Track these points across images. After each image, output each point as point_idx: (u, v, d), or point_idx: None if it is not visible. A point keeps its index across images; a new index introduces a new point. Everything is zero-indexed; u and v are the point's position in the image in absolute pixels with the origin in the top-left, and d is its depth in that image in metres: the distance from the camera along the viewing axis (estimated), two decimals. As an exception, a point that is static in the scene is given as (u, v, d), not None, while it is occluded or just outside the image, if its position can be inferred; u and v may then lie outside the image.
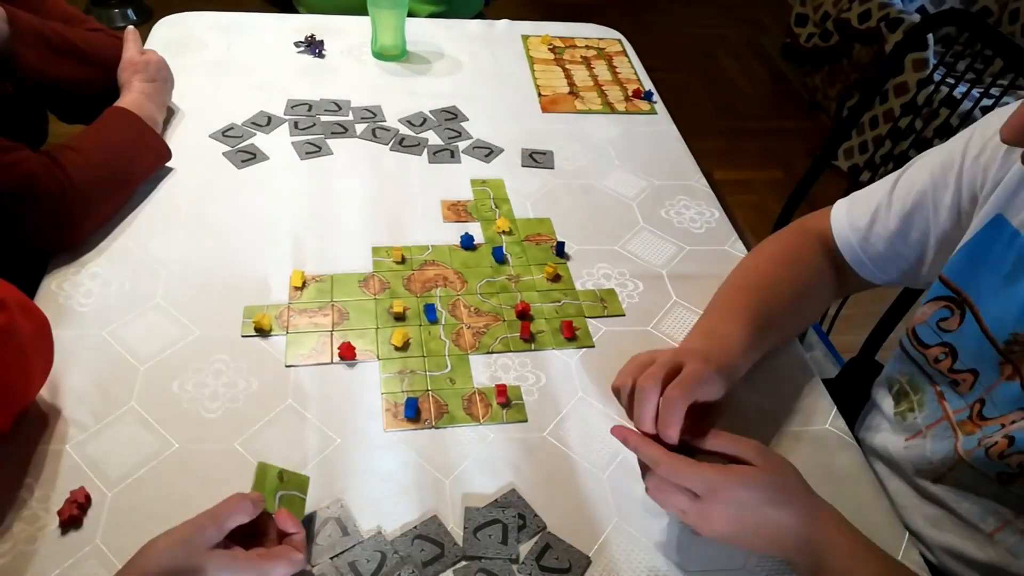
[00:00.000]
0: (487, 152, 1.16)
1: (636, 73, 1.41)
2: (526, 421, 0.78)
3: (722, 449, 0.63)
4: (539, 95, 1.31)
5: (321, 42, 1.33)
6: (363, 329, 0.86)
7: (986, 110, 0.77)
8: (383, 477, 0.72)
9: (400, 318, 0.87)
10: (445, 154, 1.14)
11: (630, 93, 1.34)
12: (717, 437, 0.64)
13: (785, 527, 0.61)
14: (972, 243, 0.71)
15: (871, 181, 0.89)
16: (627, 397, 0.67)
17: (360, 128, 1.17)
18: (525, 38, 1.47)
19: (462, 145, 1.16)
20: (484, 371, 0.83)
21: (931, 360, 0.76)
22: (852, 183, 1.38)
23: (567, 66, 1.41)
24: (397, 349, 0.84)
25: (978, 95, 1.30)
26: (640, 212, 1.08)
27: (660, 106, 1.33)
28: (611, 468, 0.75)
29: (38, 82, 1.00)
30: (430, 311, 0.88)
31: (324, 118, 1.18)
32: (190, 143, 1.09)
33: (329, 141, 1.13)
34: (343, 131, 1.16)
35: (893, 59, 1.33)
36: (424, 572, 0.64)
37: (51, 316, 0.80)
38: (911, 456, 0.78)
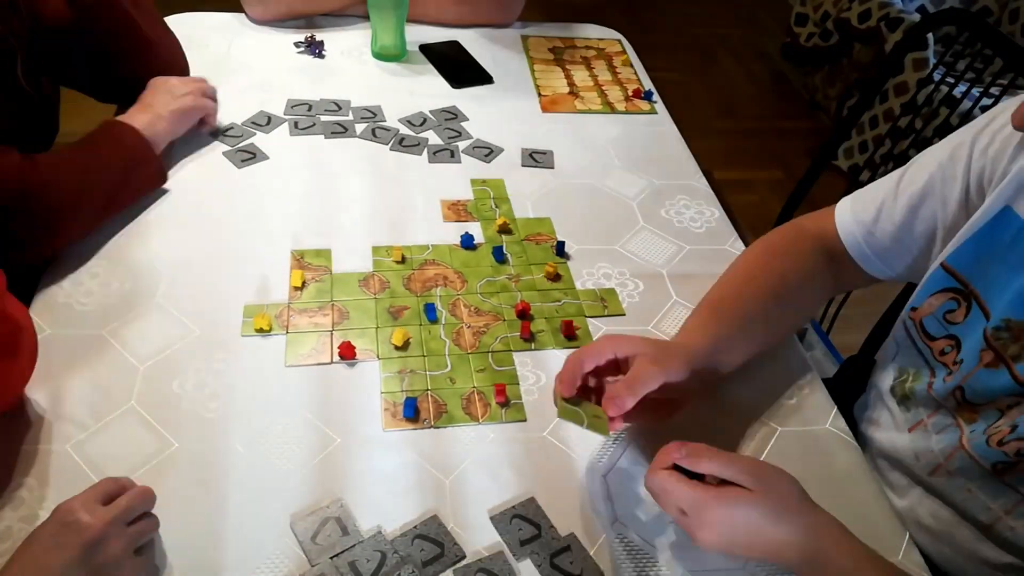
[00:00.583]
0: (487, 152, 1.16)
1: (636, 73, 1.41)
2: (525, 421, 0.78)
3: (717, 472, 0.63)
4: (539, 95, 1.31)
5: (321, 42, 1.34)
6: (363, 329, 0.86)
7: (986, 110, 0.77)
8: (383, 477, 0.72)
9: (396, 315, 0.87)
10: (445, 154, 1.14)
11: (630, 93, 1.34)
12: (713, 458, 0.63)
13: (783, 542, 0.62)
14: (979, 235, 0.71)
15: (871, 181, 0.89)
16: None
17: (360, 128, 1.17)
18: (525, 39, 1.47)
19: (462, 145, 1.16)
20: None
21: (936, 352, 0.76)
22: (852, 183, 1.38)
23: (567, 66, 1.41)
24: (397, 349, 0.84)
25: (978, 95, 1.30)
26: (640, 212, 1.08)
27: (660, 106, 1.33)
28: (611, 468, 0.75)
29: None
30: (430, 311, 0.88)
31: (324, 118, 1.18)
32: (190, 143, 1.09)
33: (329, 141, 1.14)
34: (343, 131, 1.16)
35: (893, 59, 1.33)
36: (424, 572, 0.64)
37: (51, 315, 0.80)
38: (916, 448, 0.78)
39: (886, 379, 0.84)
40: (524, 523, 0.69)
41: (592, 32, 1.54)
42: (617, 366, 0.71)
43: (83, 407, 0.74)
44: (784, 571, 0.67)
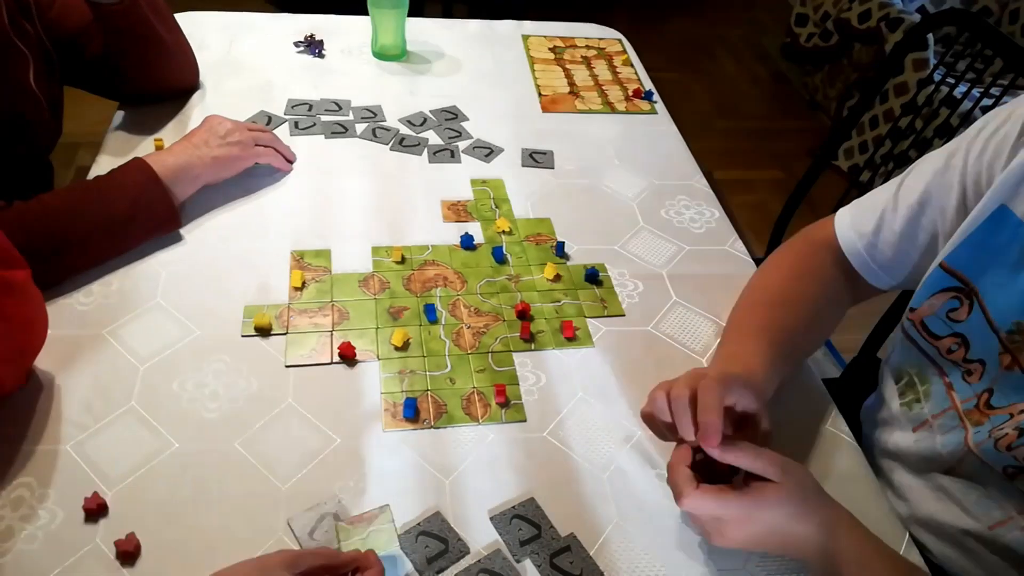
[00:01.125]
0: (487, 152, 1.16)
1: (636, 73, 1.41)
2: (525, 421, 0.78)
3: (745, 466, 0.63)
4: (539, 95, 1.31)
5: (321, 42, 1.33)
6: (363, 329, 0.86)
7: (986, 110, 0.77)
8: (383, 477, 0.72)
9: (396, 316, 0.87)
10: (445, 154, 1.14)
11: (630, 93, 1.34)
12: (740, 451, 0.63)
13: (806, 539, 0.63)
14: (977, 233, 0.71)
15: (871, 181, 0.89)
16: (659, 417, 0.68)
17: (360, 128, 1.17)
18: (525, 38, 1.47)
19: (462, 145, 1.16)
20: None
21: (943, 351, 0.76)
22: (852, 183, 1.38)
23: (567, 66, 1.41)
24: (397, 349, 0.84)
25: (978, 95, 1.30)
26: (640, 212, 1.08)
27: (660, 106, 1.33)
28: (611, 468, 0.75)
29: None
30: (430, 311, 0.88)
31: (324, 118, 1.18)
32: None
33: (329, 141, 1.14)
34: (343, 131, 1.16)
35: (893, 59, 1.33)
36: (429, 568, 0.65)
37: (51, 315, 0.80)
38: (920, 449, 0.78)
39: (891, 379, 0.84)
40: (524, 523, 0.69)
41: (592, 31, 1.54)
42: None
43: (83, 407, 0.74)
44: (787, 569, 0.67)
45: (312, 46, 1.33)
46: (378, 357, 0.83)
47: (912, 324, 0.78)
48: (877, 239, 0.81)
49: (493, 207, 1.05)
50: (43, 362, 0.76)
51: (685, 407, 0.64)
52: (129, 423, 0.73)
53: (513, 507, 0.70)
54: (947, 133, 0.84)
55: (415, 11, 1.35)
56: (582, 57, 1.44)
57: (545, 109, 1.28)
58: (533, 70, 1.38)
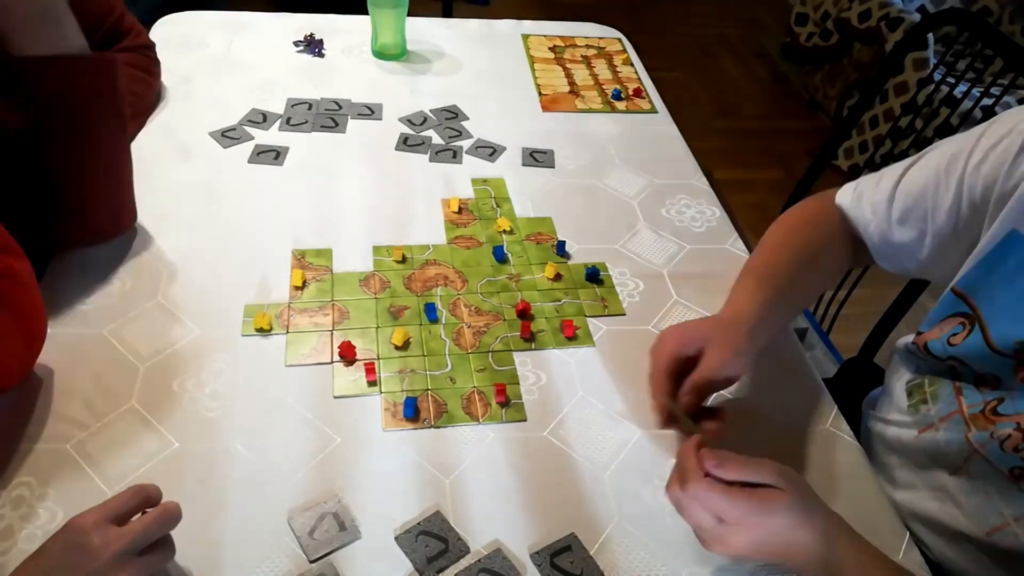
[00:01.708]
0: (488, 151, 1.16)
1: (636, 72, 1.41)
2: (525, 420, 0.78)
3: (748, 478, 0.62)
4: (539, 94, 1.31)
5: (321, 41, 1.33)
6: (363, 328, 0.86)
7: (986, 109, 0.77)
8: (383, 477, 0.72)
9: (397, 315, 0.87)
10: (446, 153, 1.14)
11: (630, 92, 1.34)
12: (740, 465, 0.63)
13: (806, 548, 0.62)
14: (988, 259, 0.71)
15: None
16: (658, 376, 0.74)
17: (360, 127, 1.17)
18: (525, 37, 1.47)
19: (463, 144, 1.16)
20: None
21: (947, 367, 0.77)
22: (852, 183, 1.38)
23: (567, 65, 1.41)
24: (397, 348, 0.84)
25: (978, 95, 1.30)
26: (641, 211, 1.08)
27: (660, 105, 1.33)
28: (611, 468, 0.75)
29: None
30: (430, 310, 0.88)
31: (324, 117, 1.18)
32: (190, 142, 1.09)
33: (330, 141, 1.13)
34: (333, 125, 1.16)
35: (893, 58, 1.32)
36: (429, 568, 0.64)
37: (51, 315, 0.80)
38: (924, 447, 0.78)
39: (901, 378, 0.84)
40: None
41: (592, 31, 1.54)
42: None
43: (83, 407, 0.74)
44: (787, 569, 0.67)
45: (312, 45, 1.33)
46: (378, 357, 0.83)
47: (917, 346, 0.79)
48: (879, 221, 0.82)
49: (494, 206, 1.05)
50: (44, 361, 0.76)
51: (658, 377, 0.73)
52: (129, 423, 0.73)
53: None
54: (947, 133, 0.84)
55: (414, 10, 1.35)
56: (582, 56, 1.44)
57: (545, 108, 1.28)
58: (533, 69, 1.38)
